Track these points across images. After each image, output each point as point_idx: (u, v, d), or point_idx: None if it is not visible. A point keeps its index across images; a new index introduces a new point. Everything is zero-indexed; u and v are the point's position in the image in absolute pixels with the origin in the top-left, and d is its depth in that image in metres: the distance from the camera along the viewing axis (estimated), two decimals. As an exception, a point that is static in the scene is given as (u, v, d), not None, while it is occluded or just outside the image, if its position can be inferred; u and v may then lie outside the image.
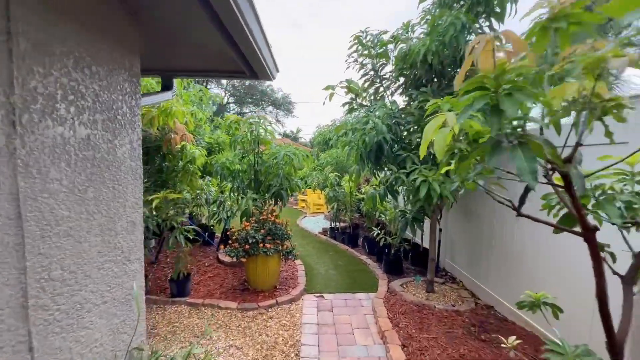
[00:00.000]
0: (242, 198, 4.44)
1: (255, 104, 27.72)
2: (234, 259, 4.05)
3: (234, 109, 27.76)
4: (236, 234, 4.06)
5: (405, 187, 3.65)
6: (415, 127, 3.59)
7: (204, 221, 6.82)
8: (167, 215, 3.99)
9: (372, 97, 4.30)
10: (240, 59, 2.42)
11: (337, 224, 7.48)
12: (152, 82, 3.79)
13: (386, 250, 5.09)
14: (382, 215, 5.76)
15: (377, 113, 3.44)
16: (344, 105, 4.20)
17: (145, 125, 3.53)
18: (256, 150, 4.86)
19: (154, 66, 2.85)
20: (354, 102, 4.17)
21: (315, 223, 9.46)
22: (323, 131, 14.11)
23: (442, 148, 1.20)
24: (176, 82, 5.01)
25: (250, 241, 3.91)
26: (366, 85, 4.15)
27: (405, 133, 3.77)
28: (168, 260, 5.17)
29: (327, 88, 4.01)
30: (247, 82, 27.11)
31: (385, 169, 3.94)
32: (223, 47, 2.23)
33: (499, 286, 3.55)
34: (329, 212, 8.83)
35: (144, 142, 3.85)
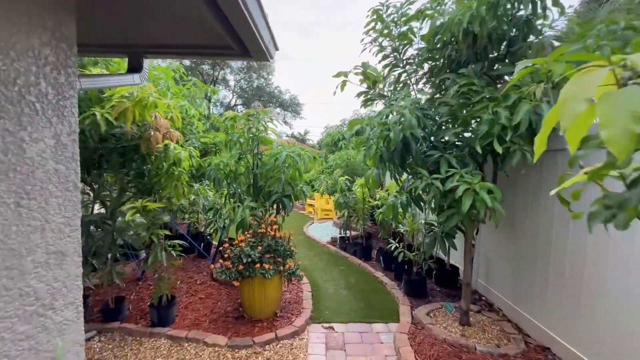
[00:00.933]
0: (238, 207, 3.77)
1: (263, 106, 27.23)
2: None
3: (241, 112, 27.36)
4: (228, 251, 3.40)
5: (435, 196, 2.92)
6: (450, 121, 2.85)
7: (201, 229, 6.20)
8: (153, 222, 3.38)
9: (392, 87, 3.59)
10: (223, 26, 1.75)
11: (348, 232, 6.77)
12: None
13: (406, 267, 4.36)
14: (400, 225, 5.02)
15: (402, 103, 2.72)
16: (358, 95, 3.49)
17: (119, 119, 2.91)
18: (255, 151, 4.20)
19: (117, 41, 2.21)
20: (371, 91, 3.46)
21: (324, 230, 8.76)
22: (332, 132, 13.45)
23: (631, 132, 0.51)
24: (166, 74, 4.41)
25: (245, 260, 3.24)
26: (386, 71, 3.44)
27: (434, 128, 3.04)
28: (156, 275, 4.54)
29: (338, 75, 3.33)
30: (255, 84, 26.52)
31: (408, 171, 3.23)
32: (202, 12, 1.58)
33: (558, 321, 2.79)
34: (338, 218, 8.10)
35: (119, 141, 3.22)
